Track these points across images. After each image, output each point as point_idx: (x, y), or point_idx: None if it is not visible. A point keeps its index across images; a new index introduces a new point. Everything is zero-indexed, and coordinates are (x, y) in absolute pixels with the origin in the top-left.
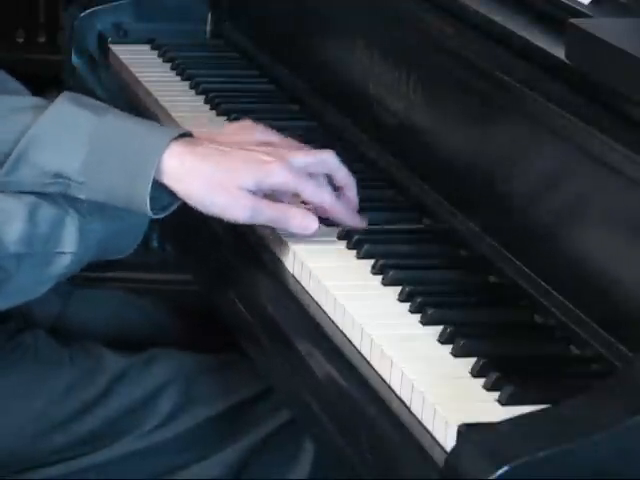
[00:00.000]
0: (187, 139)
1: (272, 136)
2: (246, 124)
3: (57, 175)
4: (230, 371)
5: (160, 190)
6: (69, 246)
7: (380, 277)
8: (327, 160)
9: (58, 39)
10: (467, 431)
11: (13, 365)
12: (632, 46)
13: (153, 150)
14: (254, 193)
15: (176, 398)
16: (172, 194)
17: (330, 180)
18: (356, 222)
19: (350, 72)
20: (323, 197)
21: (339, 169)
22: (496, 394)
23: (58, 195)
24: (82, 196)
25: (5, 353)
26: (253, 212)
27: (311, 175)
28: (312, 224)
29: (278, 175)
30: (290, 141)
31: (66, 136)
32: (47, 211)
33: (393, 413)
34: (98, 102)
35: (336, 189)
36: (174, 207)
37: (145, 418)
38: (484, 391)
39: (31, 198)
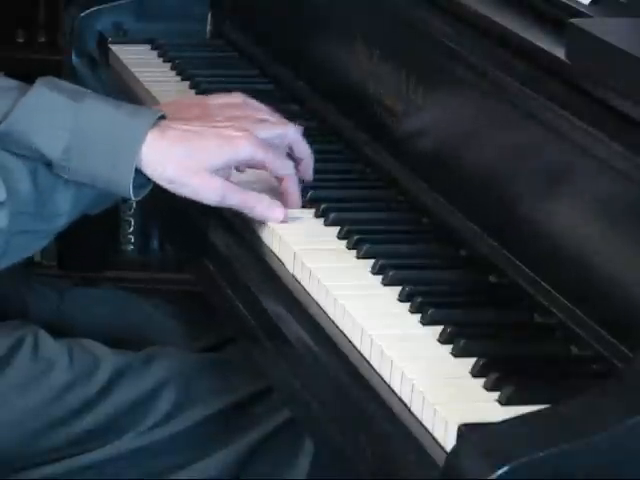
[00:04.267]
0: (160, 123)
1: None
2: (234, 100)
3: (41, 156)
4: (229, 370)
5: (136, 173)
6: (63, 208)
7: (380, 277)
8: (289, 133)
9: (58, 39)
10: (467, 431)
11: (11, 362)
12: (632, 46)
13: (133, 141)
14: (224, 170)
15: (175, 397)
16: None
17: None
18: (296, 202)
19: (350, 72)
20: (288, 170)
21: (300, 142)
22: (496, 394)
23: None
24: (64, 176)
25: (3, 350)
26: (223, 196)
27: (274, 146)
28: (277, 213)
29: (245, 151)
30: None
31: (46, 124)
32: (44, 174)
33: (393, 413)
34: (74, 86)
35: (295, 161)
36: (150, 187)
37: (144, 416)
38: (484, 391)
39: (29, 161)
